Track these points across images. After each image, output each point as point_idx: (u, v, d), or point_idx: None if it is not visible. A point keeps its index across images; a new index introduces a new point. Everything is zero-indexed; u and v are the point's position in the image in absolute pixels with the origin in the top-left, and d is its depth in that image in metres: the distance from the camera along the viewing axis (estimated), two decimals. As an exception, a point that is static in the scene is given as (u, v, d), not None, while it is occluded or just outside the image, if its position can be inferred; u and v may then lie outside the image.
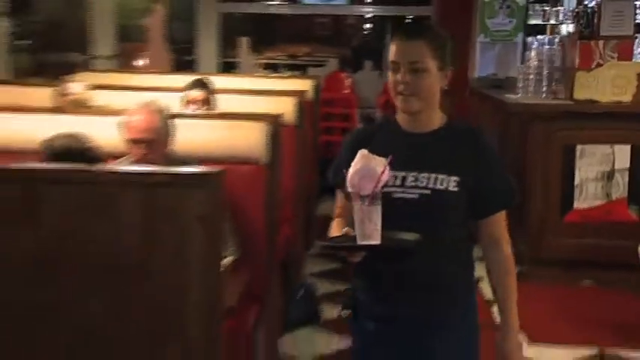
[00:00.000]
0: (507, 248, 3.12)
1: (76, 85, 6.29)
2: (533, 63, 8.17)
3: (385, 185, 2.79)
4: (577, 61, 7.47)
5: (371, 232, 2.75)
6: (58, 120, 4.72)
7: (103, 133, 4.43)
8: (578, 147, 7.33)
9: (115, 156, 4.42)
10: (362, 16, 13.59)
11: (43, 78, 7.55)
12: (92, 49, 11.41)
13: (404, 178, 2.95)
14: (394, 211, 2.83)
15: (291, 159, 5.75)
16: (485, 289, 5.08)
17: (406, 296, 3.04)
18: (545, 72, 8.02)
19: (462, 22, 10.09)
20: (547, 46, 8.26)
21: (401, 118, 3.10)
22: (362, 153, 2.80)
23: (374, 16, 13.45)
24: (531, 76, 8.13)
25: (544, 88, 8.02)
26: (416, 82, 2.91)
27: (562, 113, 7.45)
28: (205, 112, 5.98)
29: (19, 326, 2.95)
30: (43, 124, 4.51)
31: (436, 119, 3.06)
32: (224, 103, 6.37)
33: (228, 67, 11.48)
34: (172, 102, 5.25)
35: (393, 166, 2.83)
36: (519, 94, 8.26)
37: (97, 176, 3.04)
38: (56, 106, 5.90)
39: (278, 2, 12.69)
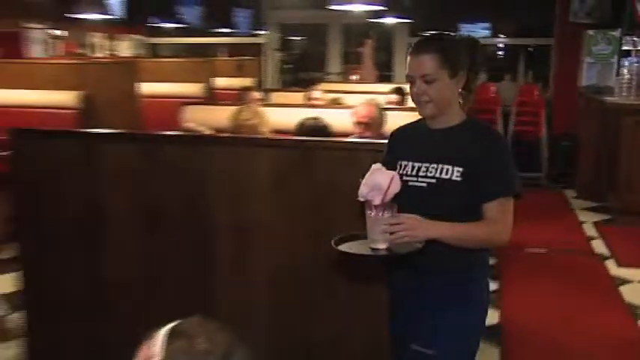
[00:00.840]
0: (498, 228, 2.31)
1: (316, 92, 6.50)
2: (626, 76, 8.16)
3: (405, 175, 2.35)
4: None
5: (379, 237, 2.25)
6: (308, 112, 4.90)
7: (337, 119, 4.62)
8: (658, 133, 7.27)
9: (344, 133, 4.54)
10: (499, 44, 13.15)
11: (298, 87, 7.87)
12: (326, 69, 11.72)
13: (418, 169, 2.37)
14: (409, 197, 2.31)
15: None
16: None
17: (410, 274, 2.43)
18: (634, 82, 8.00)
19: (575, 49, 9.81)
20: (636, 64, 8.19)
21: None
22: (374, 167, 2.30)
23: (509, 45, 13.03)
24: (624, 85, 8.13)
25: (633, 93, 7.97)
26: (430, 92, 2.31)
27: (646, 110, 7.43)
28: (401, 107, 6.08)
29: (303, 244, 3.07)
30: (299, 114, 4.70)
31: (453, 118, 2.39)
32: (411, 102, 6.44)
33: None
34: (382, 101, 5.36)
35: (413, 158, 2.38)
36: (615, 97, 8.16)
37: (348, 144, 3.20)
38: (306, 103, 6.16)
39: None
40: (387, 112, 4.72)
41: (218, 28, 12.16)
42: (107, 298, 3.44)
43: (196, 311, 1.40)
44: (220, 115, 5.07)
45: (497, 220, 2.30)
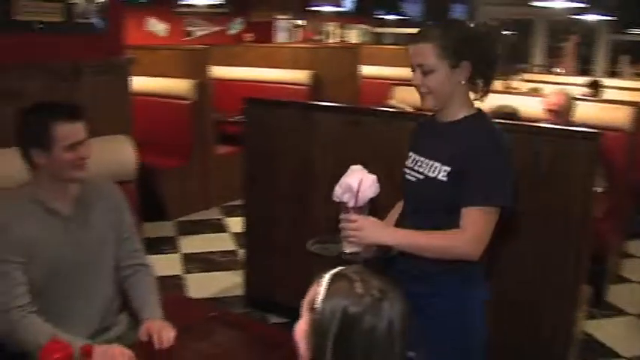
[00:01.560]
0: (463, 237, 1.84)
1: (515, 81, 6.19)
2: None
3: (406, 167, 2.01)
4: None
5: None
6: (503, 98, 4.66)
7: (529, 106, 4.39)
8: None
9: (532, 119, 4.25)
10: None
11: (503, 76, 7.50)
12: (530, 61, 11.22)
13: (415, 162, 1.99)
14: (405, 190, 2.03)
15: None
16: None
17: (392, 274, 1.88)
18: None
19: None
20: None
21: None
22: (352, 168, 1.94)
23: None
24: None
25: None
26: (428, 83, 1.88)
27: None
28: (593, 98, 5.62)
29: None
30: (496, 100, 4.49)
31: (457, 112, 1.92)
32: (608, 95, 5.97)
33: (612, 74, 10.62)
34: (574, 92, 4.98)
35: (416, 150, 2.01)
36: None
37: (528, 128, 2.95)
38: (503, 90, 5.86)
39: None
40: (578, 103, 4.38)
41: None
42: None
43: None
44: (416, 96, 4.97)
45: (465, 229, 1.84)
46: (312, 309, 1.28)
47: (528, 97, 4.88)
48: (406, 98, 5.21)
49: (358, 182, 1.87)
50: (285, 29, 9.40)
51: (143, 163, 3.27)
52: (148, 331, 2.07)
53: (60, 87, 2.65)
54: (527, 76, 7.44)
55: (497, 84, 6.38)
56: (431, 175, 1.91)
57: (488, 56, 1.93)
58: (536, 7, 6.73)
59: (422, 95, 1.93)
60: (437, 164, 1.90)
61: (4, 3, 2.48)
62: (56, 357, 1.58)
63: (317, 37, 10.11)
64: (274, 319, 3.60)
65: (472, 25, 1.95)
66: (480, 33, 1.93)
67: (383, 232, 1.90)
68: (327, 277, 1.30)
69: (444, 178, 1.87)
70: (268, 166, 3.62)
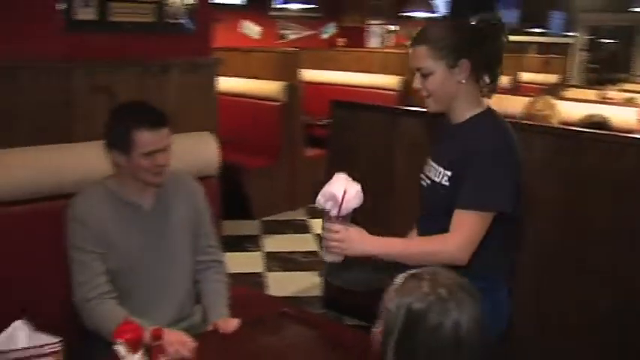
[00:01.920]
0: (449, 241, 1.77)
1: (611, 91, 5.94)
2: None
3: (421, 172, 1.97)
4: None
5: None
6: (596, 107, 4.48)
7: (623, 116, 4.19)
8: None
9: (625, 130, 4.02)
10: None
11: (601, 86, 7.19)
12: (633, 70, 10.74)
13: (429, 167, 1.95)
14: (421, 195, 1.98)
15: None
16: None
17: None
18: None
19: None
20: None
21: None
22: (337, 175, 1.85)
23: None
24: None
25: None
26: (428, 86, 1.83)
27: None
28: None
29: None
30: (589, 109, 4.33)
31: (463, 113, 1.86)
32: None
33: None
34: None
35: (431, 155, 1.95)
36: None
37: (616, 138, 2.79)
38: (597, 100, 5.64)
39: None
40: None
41: (532, 28, 11.71)
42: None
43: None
44: (514, 104, 4.86)
45: (457, 232, 1.76)
46: (384, 309, 1.32)
47: (623, 108, 4.68)
48: (497, 105, 5.10)
49: (342, 192, 1.79)
50: (377, 34, 9.37)
51: (231, 162, 3.34)
52: (214, 327, 2.13)
53: (149, 84, 2.74)
54: (627, 86, 7.11)
55: (592, 93, 6.15)
56: (436, 179, 1.88)
57: (489, 52, 1.85)
58: (638, 13, 6.39)
59: (425, 99, 1.89)
60: (440, 169, 1.87)
61: (101, 5, 2.60)
62: (127, 337, 1.64)
63: (409, 43, 10.04)
64: (350, 322, 3.59)
65: (470, 22, 1.87)
66: (477, 29, 1.85)
67: (366, 243, 1.83)
68: (400, 278, 1.34)
69: (447, 183, 1.84)
70: (351, 170, 3.57)
